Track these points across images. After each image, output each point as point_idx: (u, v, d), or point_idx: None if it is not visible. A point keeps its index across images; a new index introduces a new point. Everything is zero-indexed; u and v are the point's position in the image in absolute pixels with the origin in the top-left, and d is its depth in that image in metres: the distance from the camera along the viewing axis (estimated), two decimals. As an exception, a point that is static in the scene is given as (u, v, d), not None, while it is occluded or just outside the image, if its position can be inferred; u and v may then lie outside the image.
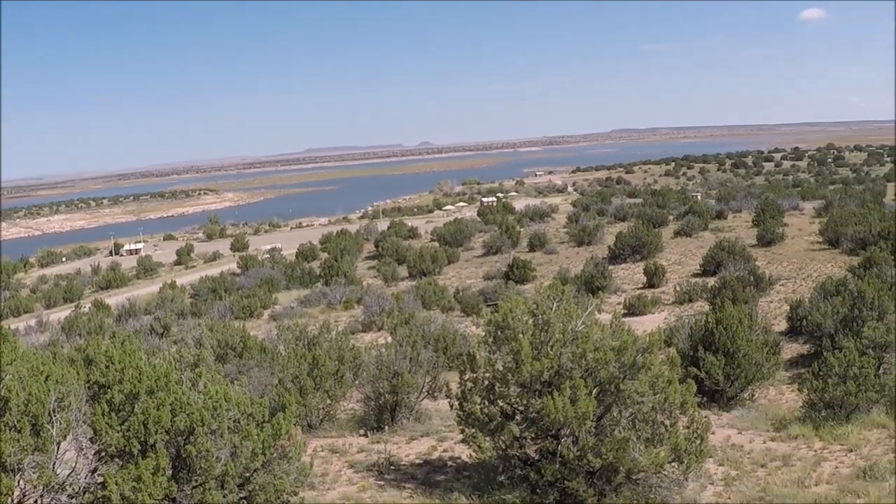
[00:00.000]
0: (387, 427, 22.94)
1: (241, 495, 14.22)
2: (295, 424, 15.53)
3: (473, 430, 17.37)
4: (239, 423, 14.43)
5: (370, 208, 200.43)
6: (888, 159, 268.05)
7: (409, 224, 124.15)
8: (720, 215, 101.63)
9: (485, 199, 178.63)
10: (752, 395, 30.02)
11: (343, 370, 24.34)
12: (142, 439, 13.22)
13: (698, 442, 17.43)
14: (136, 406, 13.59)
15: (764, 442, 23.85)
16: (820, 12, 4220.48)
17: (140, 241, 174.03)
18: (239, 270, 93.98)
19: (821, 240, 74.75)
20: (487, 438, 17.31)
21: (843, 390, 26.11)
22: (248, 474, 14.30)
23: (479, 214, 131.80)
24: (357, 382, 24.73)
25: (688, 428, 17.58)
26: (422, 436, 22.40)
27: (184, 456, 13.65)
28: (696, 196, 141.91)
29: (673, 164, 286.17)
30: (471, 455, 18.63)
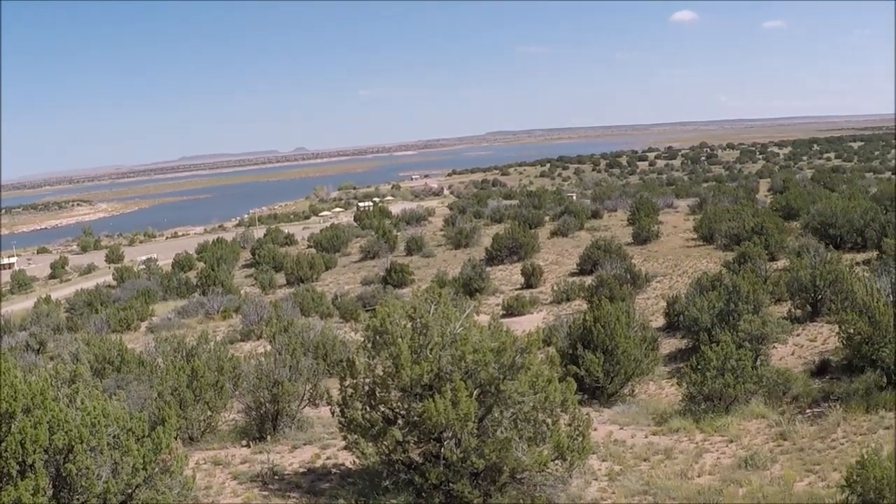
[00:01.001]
0: (269, 437, 22.87)
1: (124, 512, 13.95)
2: (176, 438, 15.38)
3: (356, 436, 17.44)
4: (119, 438, 14.28)
5: (246, 216, 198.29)
6: (760, 157, 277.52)
7: (286, 231, 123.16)
8: (596, 215, 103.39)
9: (361, 204, 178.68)
10: (633, 391, 30.81)
11: (223, 381, 24.12)
12: (20, 459, 13.00)
13: (580, 439, 17.89)
14: (12, 426, 13.30)
15: (646, 436, 24.50)
16: (692, 14, 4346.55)
17: (13, 255, 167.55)
18: (115, 282, 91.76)
19: (695, 236, 76.88)
20: (370, 444, 17.41)
21: (721, 383, 27.02)
22: (130, 491, 14.17)
23: (355, 219, 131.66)
24: (237, 393, 24.54)
25: (569, 425, 18.06)
26: (305, 444, 22.40)
27: (64, 475, 13.50)
28: (572, 196, 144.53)
29: (548, 165, 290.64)
30: (354, 461, 18.69)
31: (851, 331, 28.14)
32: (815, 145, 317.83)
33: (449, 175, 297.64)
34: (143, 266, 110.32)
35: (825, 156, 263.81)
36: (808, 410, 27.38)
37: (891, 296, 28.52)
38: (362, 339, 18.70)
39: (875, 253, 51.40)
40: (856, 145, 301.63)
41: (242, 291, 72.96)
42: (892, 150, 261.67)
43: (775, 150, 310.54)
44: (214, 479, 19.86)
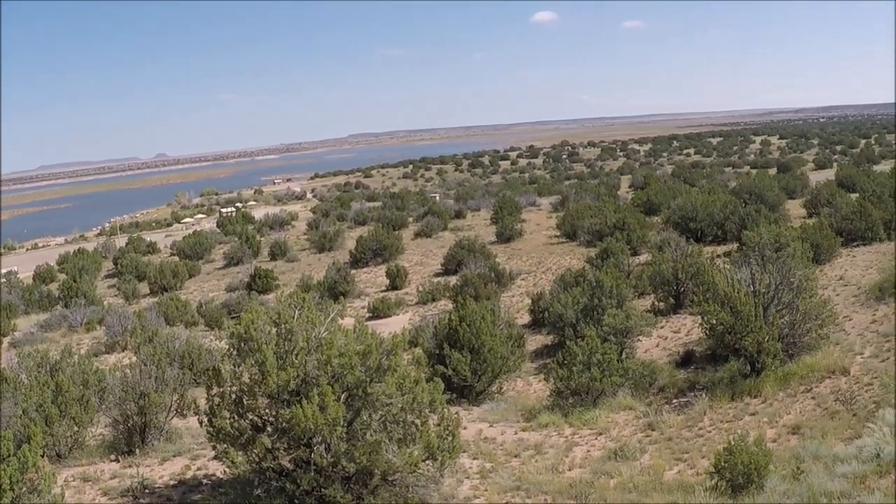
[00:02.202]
0: (138, 450, 22.46)
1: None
2: (42, 455, 14.98)
3: (225, 445, 17.25)
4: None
5: (108, 225, 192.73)
6: (621, 154, 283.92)
7: (149, 239, 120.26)
8: (459, 215, 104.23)
9: (224, 210, 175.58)
10: (501, 389, 31.22)
11: (88, 395, 23.51)
12: None
13: (450, 438, 18.04)
14: None
15: (515, 433, 24.88)
16: (552, 14, 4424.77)
17: None
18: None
19: (558, 233, 78.18)
20: (240, 453, 17.25)
21: (588, 377, 27.67)
22: (-7, 512, 13.60)
23: (218, 226, 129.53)
24: (104, 406, 23.94)
25: (439, 425, 18.18)
26: (174, 456, 22.06)
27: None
28: (435, 197, 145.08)
29: (411, 166, 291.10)
30: (225, 471, 18.54)
31: (714, 321, 29.11)
32: (675, 142, 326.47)
33: (311, 178, 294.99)
34: (3, 279, 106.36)
35: (685, 152, 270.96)
36: (674, 400, 28.29)
37: (751, 286, 29.55)
38: (227, 346, 18.52)
39: (735, 245, 53.22)
40: (715, 141, 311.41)
41: (106, 302, 71.05)
42: (750, 146, 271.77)
43: (636, 147, 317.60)
44: (84, 496, 19.38)
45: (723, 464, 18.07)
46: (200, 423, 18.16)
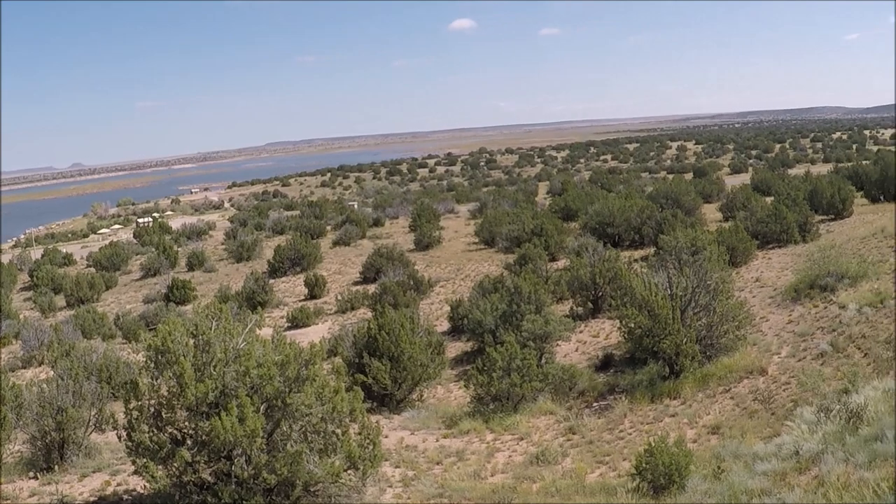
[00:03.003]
0: (57, 466, 22.02)
1: None
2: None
3: (145, 459, 17.01)
4: None
5: (23, 236, 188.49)
6: (538, 160, 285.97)
7: (65, 250, 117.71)
8: (377, 223, 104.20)
9: (141, 220, 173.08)
10: (421, 396, 31.26)
11: (5, 411, 22.92)
12: None
13: (371, 447, 18.07)
14: None
15: (437, 440, 24.91)
16: (470, 22, 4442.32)
17: None
18: None
19: (477, 240, 78.52)
20: (160, 467, 17.03)
21: (508, 382, 27.82)
22: None
23: (135, 236, 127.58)
24: (21, 423, 23.39)
25: (360, 434, 18.22)
26: (94, 472, 21.68)
27: None
28: (353, 205, 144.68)
29: (329, 174, 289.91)
30: (146, 486, 18.23)
31: (632, 325, 29.53)
32: (592, 148, 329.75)
33: (229, 188, 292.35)
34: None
35: (602, 158, 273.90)
36: (594, 404, 28.59)
37: (668, 290, 29.99)
38: (145, 359, 18.25)
39: (652, 249, 54.01)
40: (632, 147, 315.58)
41: (21, 316, 69.45)
42: (667, 151, 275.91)
43: (553, 153, 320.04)
44: (3, 514, 18.97)
45: (644, 465, 18.28)
46: (119, 437, 17.90)
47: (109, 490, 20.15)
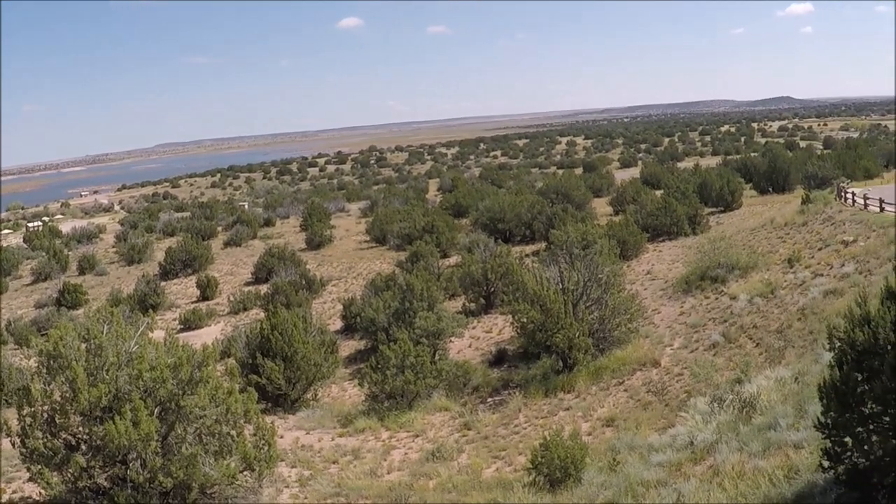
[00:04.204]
0: (-54, 475, 21.19)
1: None
2: None
3: (39, 466, 16.66)
4: None
5: None
6: (428, 157, 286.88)
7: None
8: (269, 223, 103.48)
9: (30, 225, 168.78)
10: (316, 395, 31.07)
11: None
12: None
13: (267, 448, 18.00)
14: None
15: (333, 439, 24.80)
16: (357, 20, 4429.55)
17: None
18: None
19: (368, 238, 78.55)
20: (55, 473, 16.70)
21: (402, 380, 27.87)
22: None
23: (25, 241, 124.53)
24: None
25: (254, 435, 18.12)
26: (-12, 479, 20.92)
27: None
28: (244, 206, 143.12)
29: (219, 175, 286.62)
30: (41, 493, 17.75)
31: (525, 320, 29.77)
32: (482, 144, 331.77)
33: (119, 190, 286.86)
34: None
35: (492, 154, 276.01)
36: (489, 399, 28.78)
37: (560, 284, 30.30)
38: (37, 364, 17.80)
39: (543, 244, 54.50)
40: (521, 143, 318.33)
41: None
42: (556, 147, 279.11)
43: (443, 150, 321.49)
44: None
45: (540, 459, 18.43)
46: (13, 444, 17.47)
47: (4, 498, 19.61)
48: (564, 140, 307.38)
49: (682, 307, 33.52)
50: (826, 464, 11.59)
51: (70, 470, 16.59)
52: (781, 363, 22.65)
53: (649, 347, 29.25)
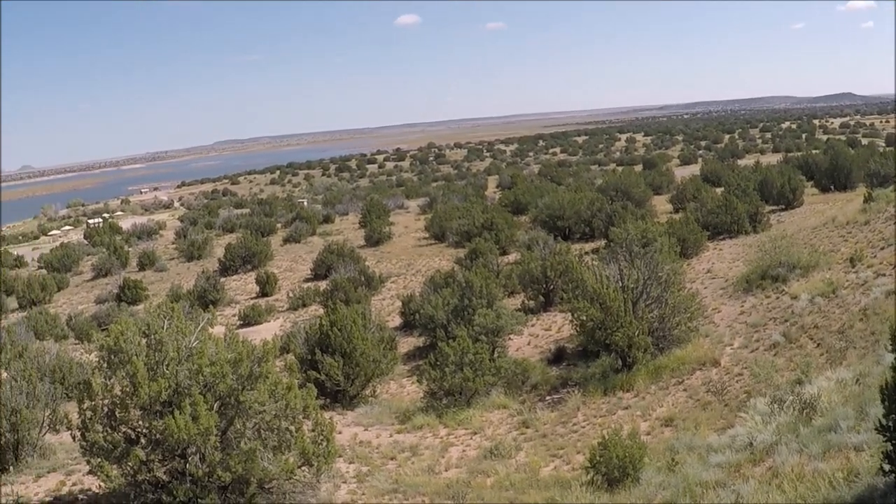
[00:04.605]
0: (12, 467, 21.79)
1: None
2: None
3: (99, 459, 16.88)
4: None
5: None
6: (487, 154, 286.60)
7: (15, 252, 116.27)
8: (328, 219, 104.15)
9: (91, 221, 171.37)
10: (374, 392, 31.17)
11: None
12: None
13: (325, 443, 18.05)
14: None
15: (391, 435, 24.88)
16: (415, 17, 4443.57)
17: None
18: None
19: (427, 235, 78.79)
20: (115, 466, 16.91)
21: (460, 377, 27.84)
22: None
23: (86, 237, 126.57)
24: (-26, 424, 23.09)
25: (313, 431, 18.18)
26: (49, 472, 21.43)
27: None
28: (303, 202, 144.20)
29: (278, 172, 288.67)
30: (101, 485, 18.04)
31: (584, 318, 29.59)
32: (541, 141, 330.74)
33: (179, 187, 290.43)
34: None
35: (551, 151, 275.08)
36: (547, 397, 28.69)
37: (620, 282, 30.12)
38: (98, 359, 18.07)
39: (603, 242, 54.18)
40: (580, 139, 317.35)
41: (-27, 319, 68.65)
42: (616, 143, 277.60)
43: (502, 147, 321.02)
44: (-43, 516, 18.70)
45: (598, 458, 18.35)
46: (73, 437, 17.75)
47: (65, 490, 19.95)
48: (624, 137, 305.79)
49: (742, 306, 33.14)
50: (887, 467, 11.41)
51: (129, 463, 16.81)
52: (842, 364, 22.31)
53: (709, 347, 28.96)
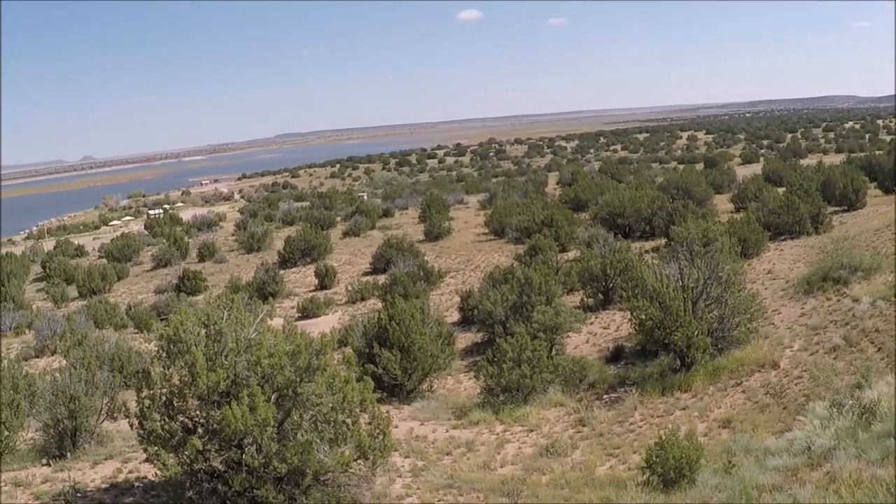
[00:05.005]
0: (69, 454, 22.14)
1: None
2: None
3: (156, 447, 17.09)
4: None
5: (35, 228, 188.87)
6: (548, 150, 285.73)
7: (76, 242, 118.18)
8: (387, 213, 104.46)
9: (151, 212, 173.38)
10: (431, 387, 31.27)
11: (18, 399, 23.06)
12: None
13: (381, 437, 18.12)
14: None
15: (447, 430, 24.96)
16: (476, 13, 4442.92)
17: None
18: None
19: (486, 231, 78.70)
20: (171, 455, 17.12)
21: (518, 374, 27.83)
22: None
23: (146, 228, 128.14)
24: (34, 410, 23.57)
25: (370, 424, 18.27)
26: (106, 459, 21.77)
27: None
28: (363, 196, 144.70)
29: (338, 165, 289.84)
30: (157, 473, 18.30)
31: (643, 317, 29.44)
32: (602, 138, 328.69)
33: (239, 179, 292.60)
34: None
35: (612, 148, 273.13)
36: (605, 396, 28.59)
37: (680, 281, 29.93)
38: (157, 348, 18.33)
39: (663, 240, 53.90)
40: (641, 137, 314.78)
41: (34, 306, 69.84)
42: (677, 141, 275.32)
43: (562, 143, 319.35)
44: (16, 500, 19.01)
45: (654, 458, 18.28)
46: (131, 425, 17.99)
47: (121, 477, 20.25)
48: (685, 135, 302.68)
49: (802, 308, 32.76)
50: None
51: (186, 452, 16.97)
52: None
53: (768, 348, 28.67)
